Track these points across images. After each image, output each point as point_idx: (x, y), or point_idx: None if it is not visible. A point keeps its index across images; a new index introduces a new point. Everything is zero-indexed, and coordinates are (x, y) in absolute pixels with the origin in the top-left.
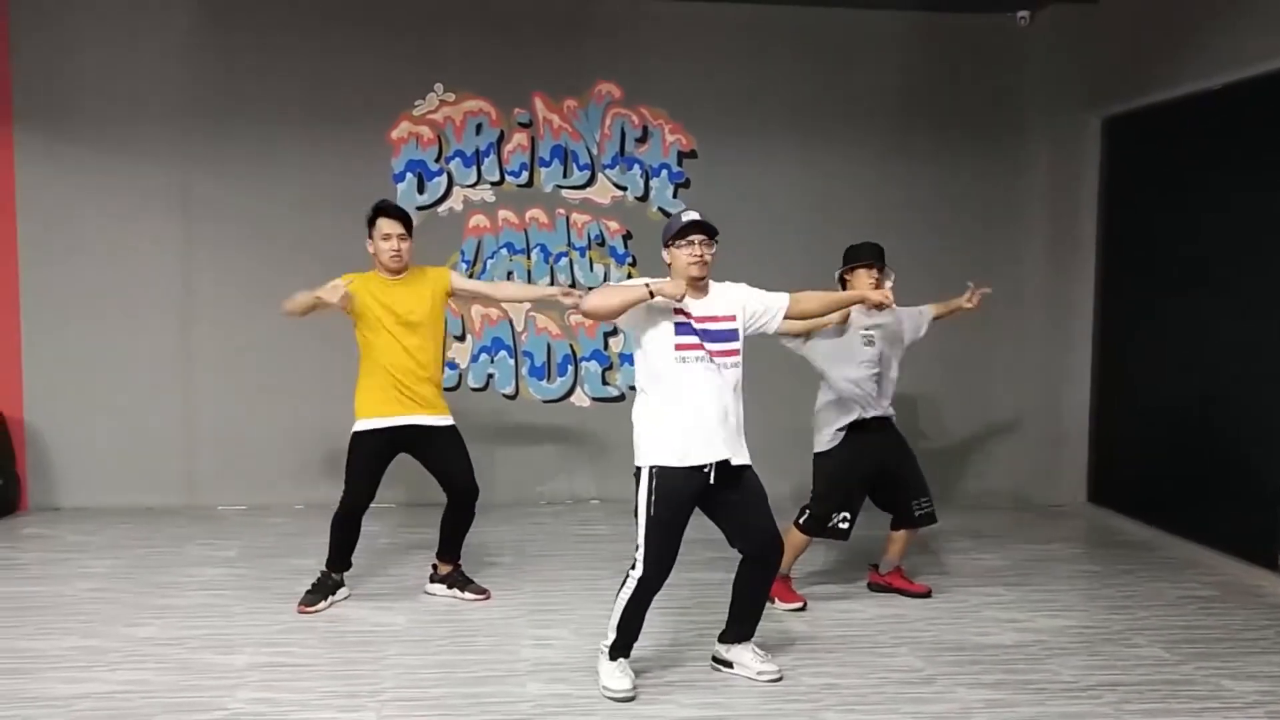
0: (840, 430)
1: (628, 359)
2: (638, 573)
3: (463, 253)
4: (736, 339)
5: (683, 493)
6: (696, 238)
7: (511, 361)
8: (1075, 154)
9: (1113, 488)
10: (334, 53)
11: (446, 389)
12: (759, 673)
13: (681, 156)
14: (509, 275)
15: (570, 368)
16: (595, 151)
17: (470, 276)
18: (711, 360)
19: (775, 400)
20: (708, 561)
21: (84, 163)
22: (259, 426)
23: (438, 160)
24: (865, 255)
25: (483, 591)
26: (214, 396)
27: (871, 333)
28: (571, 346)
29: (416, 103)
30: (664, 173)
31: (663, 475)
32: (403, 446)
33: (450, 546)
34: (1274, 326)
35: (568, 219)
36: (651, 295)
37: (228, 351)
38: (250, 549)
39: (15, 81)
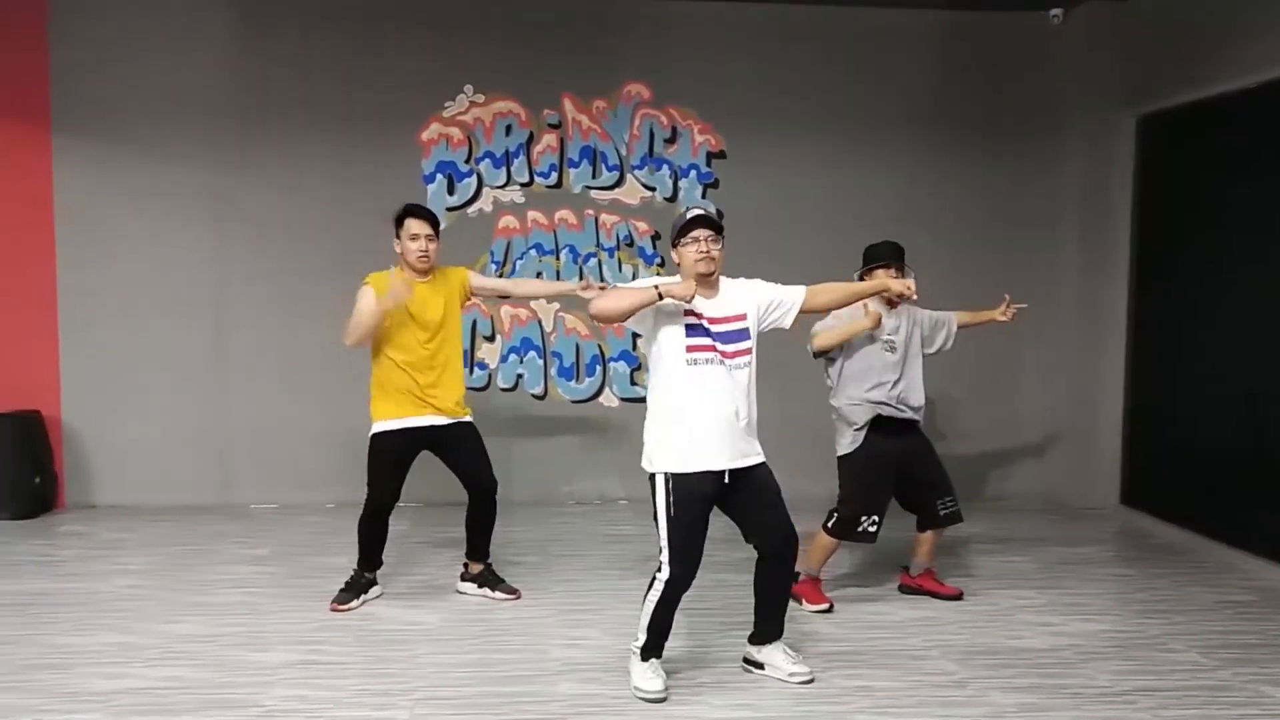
0: (860, 430)
1: None
2: (664, 574)
3: (492, 254)
4: (748, 338)
5: (699, 492)
6: (701, 234)
7: (540, 362)
8: (1109, 153)
9: (1146, 490)
10: (364, 55)
11: (476, 389)
12: (790, 674)
13: (710, 157)
14: (538, 275)
15: (599, 368)
16: (624, 152)
17: (500, 277)
18: (723, 361)
19: (796, 399)
20: (737, 562)
21: (120, 166)
22: (291, 425)
23: (467, 161)
24: (884, 255)
25: (513, 591)
26: (247, 396)
27: (893, 338)
28: (600, 347)
29: (446, 104)
30: (693, 173)
31: (677, 479)
32: (424, 445)
33: (478, 545)
34: None
35: (596, 220)
36: (660, 297)
37: (260, 351)
38: (283, 547)
39: (54, 86)
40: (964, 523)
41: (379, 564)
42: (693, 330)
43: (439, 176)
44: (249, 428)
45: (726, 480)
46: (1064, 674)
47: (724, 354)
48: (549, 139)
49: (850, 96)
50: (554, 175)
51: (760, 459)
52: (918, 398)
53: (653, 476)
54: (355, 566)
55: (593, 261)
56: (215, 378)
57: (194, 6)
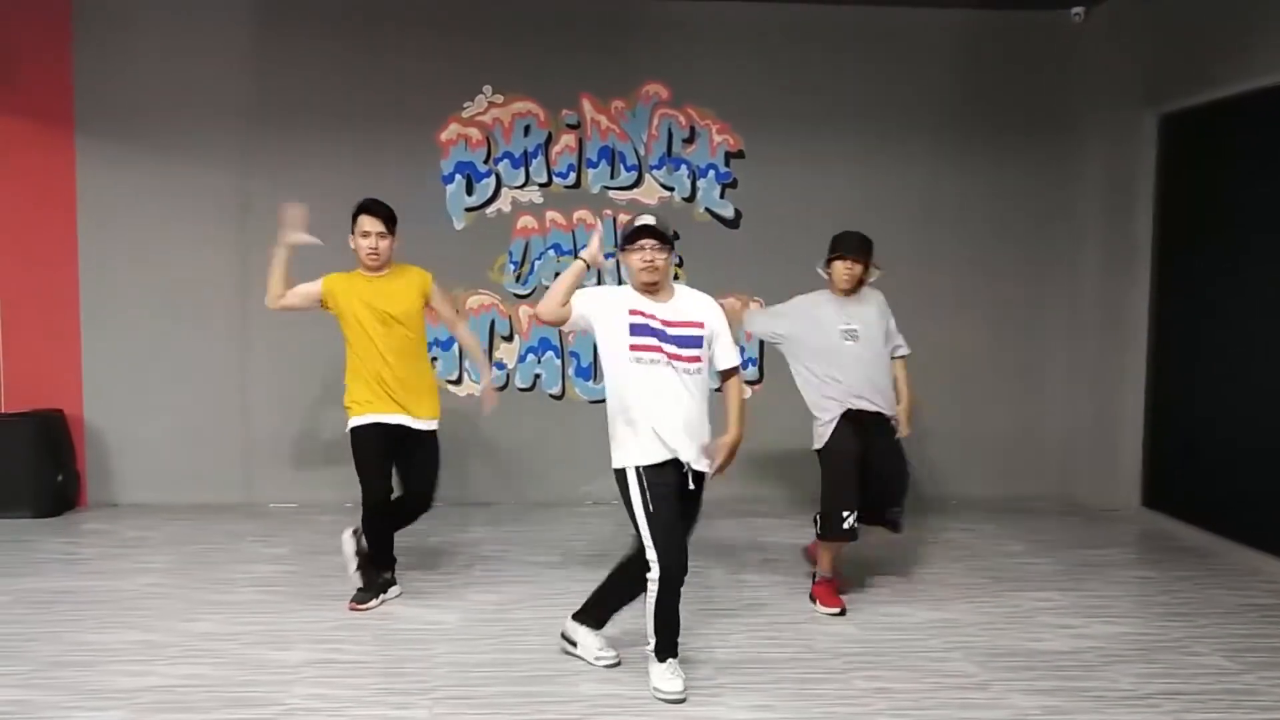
0: (827, 424)
1: None
2: (655, 572)
3: (510, 254)
4: (700, 345)
5: (668, 483)
6: (647, 243)
7: (558, 362)
8: (1130, 152)
9: (1168, 492)
10: (384, 56)
11: (494, 389)
12: (597, 657)
13: (729, 157)
14: (555, 275)
15: None
16: (642, 152)
17: (518, 278)
18: (671, 363)
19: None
20: (757, 564)
21: (143, 167)
22: (311, 425)
23: (486, 162)
24: (840, 247)
25: (363, 595)
26: (267, 395)
27: (854, 327)
28: None
29: (465, 105)
30: (711, 173)
31: (647, 472)
32: (396, 438)
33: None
34: None
35: (615, 220)
36: (587, 265)
37: (281, 351)
38: (302, 546)
39: (77, 87)
40: (900, 534)
41: (392, 560)
42: (638, 330)
43: (458, 177)
44: (269, 427)
45: (690, 485)
46: (1086, 677)
47: (672, 356)
48: (567, 139)
49: (870, 96)
50: (572, 175)
51: (708, 470)
52: (884, 391)
53: (622, 474)
54: (373, 567)
55: (610, 261)
56: (236, 377)
57: (216, 9)
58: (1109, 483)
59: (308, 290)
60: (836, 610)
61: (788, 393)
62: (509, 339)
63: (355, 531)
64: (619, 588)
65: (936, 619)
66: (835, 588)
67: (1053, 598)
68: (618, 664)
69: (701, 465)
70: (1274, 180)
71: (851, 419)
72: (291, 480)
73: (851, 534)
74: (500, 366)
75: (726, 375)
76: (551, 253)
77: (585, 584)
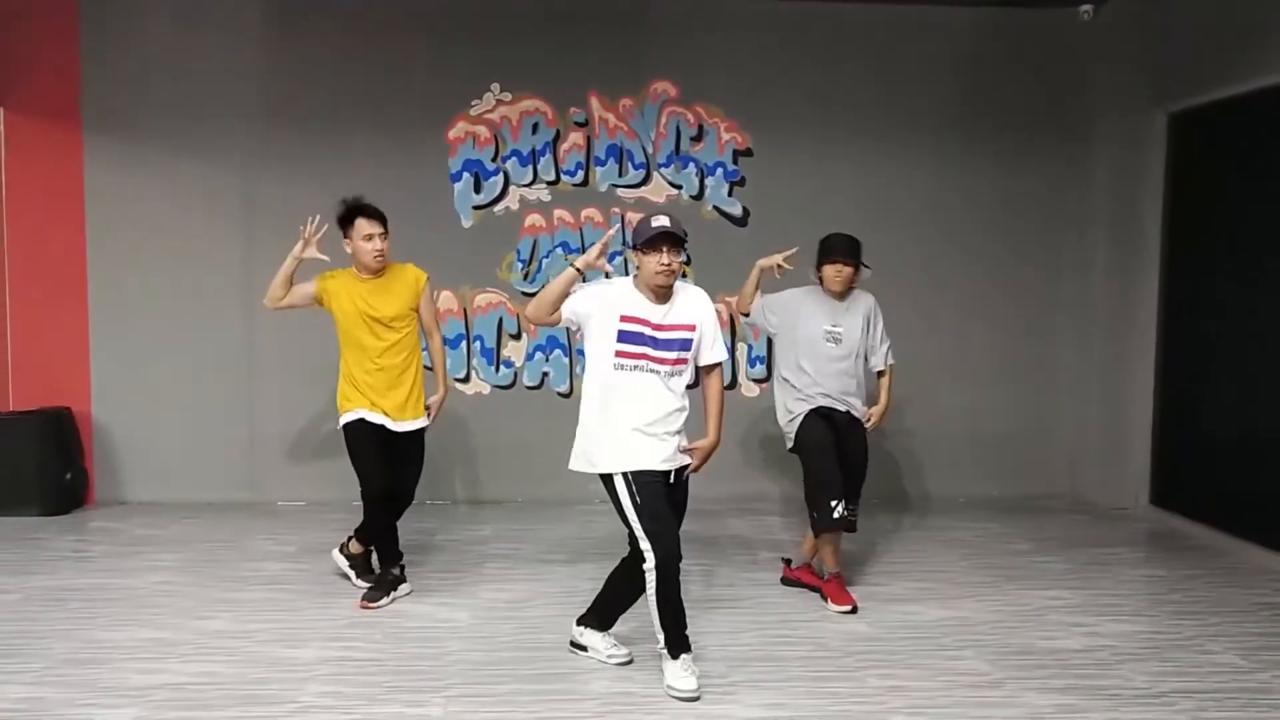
0: (799, 417)
1: None
2: (651, 562)
3: (518, 252)
4: (689, 348)
5: (654, 477)
6: (665, 247)
7: (566, 360)
8: (1140, 150)
9: (1177, 491)
10: (391, 54)
11: (502, 387)
12: (609, 655)
13: (737, 155)
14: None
15: None
16: (650, 150)
17: (526, 276)
18: (656, 369)
19: None
20: (766, 562)
21: (150, 165)
22: (318, 423)
23: (494, 160)
24: (829, 251)
25: (374, 593)
26: (275, 393)
27: (839, 330)
28: None
29: (473, 102)
30: (719, 171)
31: (632, 473)
32: (383, 436)
33: (366, 532)
34: None
35: (623, 218)
36: (580, 272)
37: (288, 349)
38: (311, 544)
39: (84, 85)
40: (855, 533)
41: (399, 554)
42: (627, 337)
43: (466, 175)
44: (277, 425)
45: (672, 480)
46: (1100, 675)
47: (658, 360)
48: (575, 137)
49: (878, 94)
50: (580, 173)
51: (687, 461)
52: (855, 396)
53: (609, 479)
54: (383, 564)
55: (618, 260)
56: (243, 375)
57: (223, 7)
58: (1117, 481)
59: (304, 289)
60: (848, 608)
61: None
62: (516, 337)
63: (340, 547)
64: (620, 589)
65: (948, 617)
66: (844, 583)
67: (1063, 596)
68: (630, 661)
69: (679, 462)
70: None
71: (822, 414)
72: (299, 478)
73: (844, 522)
74: (508, 365)
75: (709, 370)
76: (559, 251)
77: (595, 582)
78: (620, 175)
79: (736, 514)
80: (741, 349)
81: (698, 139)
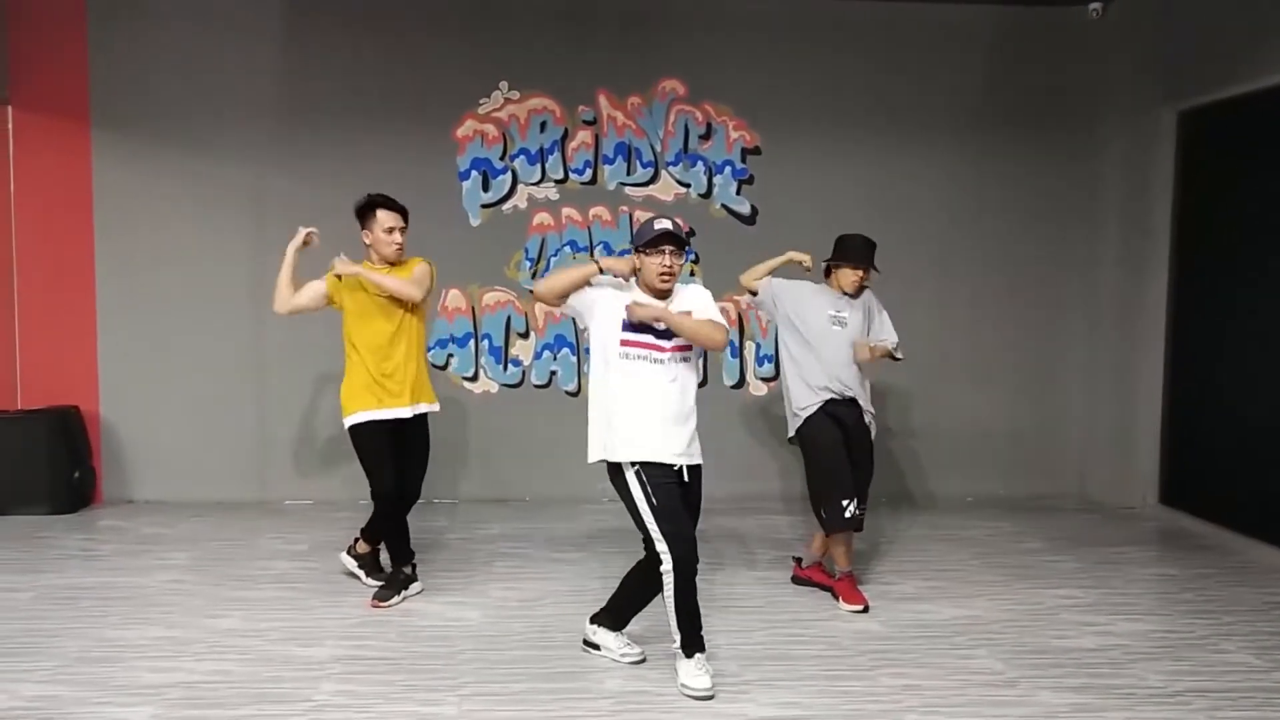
0: (809, 407)
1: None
2: (668, 564)
3: (526, 250)
4: None
5: (667, 477)
6: (667, 248)
7: (574, 359)
8: (1149, 148)
9: (1186, 489)
10: (400, 52)
11: (510, 386)
12: (622, 654)
13: (745, 153)
14: None
15: None
16: (659, 149)
17: (534, 275)
18: (661, 359)
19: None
20: (776, 561)
21: (159, 163)
22: (326, 422)
23: (502, 158)
24: (848, 257)
25: (386, 591)
26: (283, 392)
27: (844, 315)
28: None
29: (482, 101)
30: (727, 169)
31: (644, 467)
32: (391, 428)
33: (374, 532)
34: None
35: (631, 216)
36: (601, 271)
37: (296, 347)
38: (320, 543)
39: (93, 83)
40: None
41: (410, 553)
42: (631, 325)
43: (474, 173)
44: (284, 424)
45: (686, 478)
46: (1114, 674)
47: (661, 348)
48: (584, 135)
49: (886, 92)
50: (589, 172)
51: (700, 461)
52: (861, 382)
53: (618, 471)
54: (365, 573)
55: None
56: (252, 374)
57: (232, 4)
58: (1126, 480)
59: (315, 288)
60: (860, 607)
61: None
62: (525, 336)
63: (348, 549)
64: (636, 591)
65: (960, 616)
66: (855, 582)
67: (1075, 595)
68: (643, 660)
69: (693, 459)
70: None
71: (829, 413)
72: (307, 477)
73: (855, 522)
74: (516, 364)
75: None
76: (567, 249)
77: (605, 580)
78: (629, 174)
79: (745, 513)
80: (750, 347)
81: (706, 137)
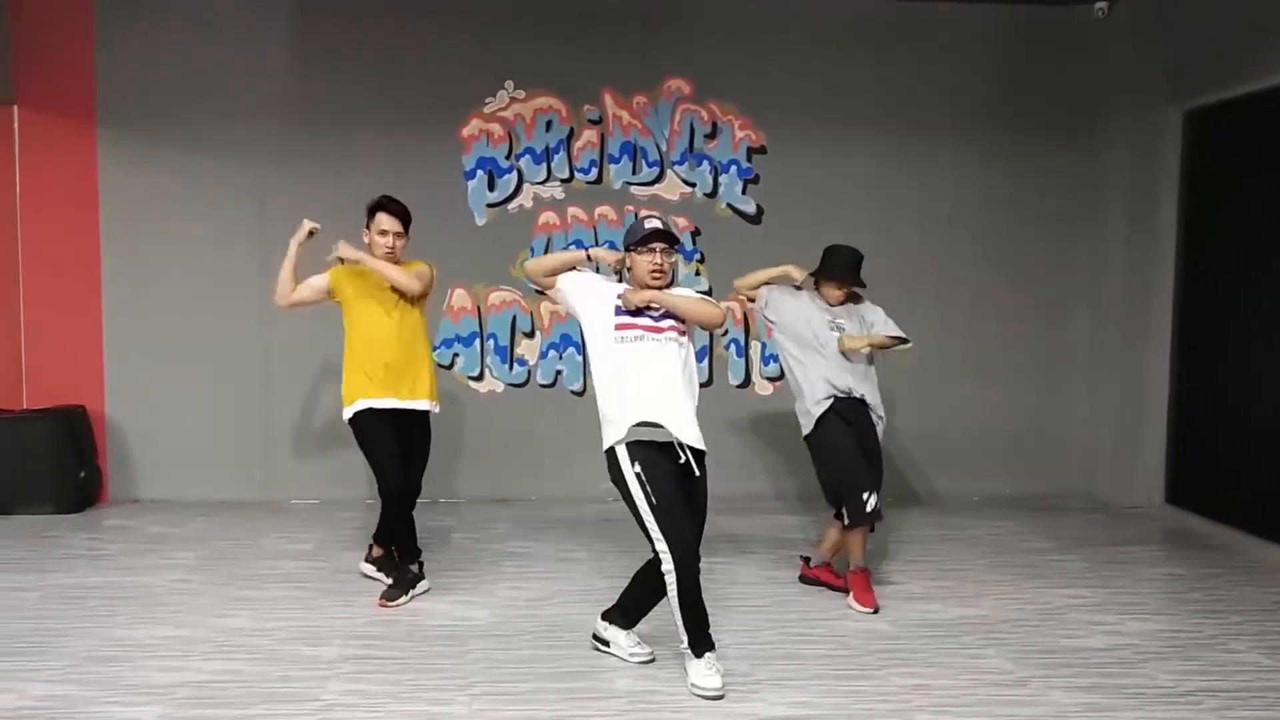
0: (822, 401)
1: (700, 356)
2: (669, 564)
3: (532, 250)
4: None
5: (665, 468)
6: (658, 245)
7: (580, 358)
8: (1155, 148)
9: (1192, 489)
10: (406, 52)
11: (516, 385)
12: (631, 653)
13: (751, 152)
14: None
15: None
16: (664, 148)
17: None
18: (654, 336)
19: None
20: (784, 559)
21: (165, 162)
22: (332, 421)
23: (508, 157)
24: (834, 274)
25: (393, 591)
26: (288, 391)
27: (840, 320)
28: None
29: (487, 100)
30: (733, 169)
31: (637, 455)
32: (393, 421)
33: (385, 533)
34: None
35: (636, 215)
36: (589, 259)
37: (302, 347)
38: (326, 543)
39: (99, 82)
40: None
41: (417, 551)
42: (623, 310)
43: (480, 172)
44: (290, 423)
45: (695, 471)
46: (1124, 674)
47: (654, 329)
48: (589, 135)
49: (891, 92)
50: (594, 171)
51: (703, 447)
52: (869, 379)
53: (612, 454)
54: (402, 562)
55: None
56: (257, 373)
57: (237, 4)
58: (1132, 479)
59: (316, 282)
60: (870, 609)
61: None
62: (530, 335)
63: (365, 558)
64: (643, 592)
65: (969, 615)
66: (869, 579)
67: (1083, 594)
68: (652, 660)
69: (695, 442)
70: None
71: (839, 412)
72: (312, 477)
73: (876, 514)
74: (521, 363)
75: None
76: (573, 248)
77: (612, 580)
78: (634, 173)
79: (752, 512)
80: (755, 347)
81: (712, 136)
